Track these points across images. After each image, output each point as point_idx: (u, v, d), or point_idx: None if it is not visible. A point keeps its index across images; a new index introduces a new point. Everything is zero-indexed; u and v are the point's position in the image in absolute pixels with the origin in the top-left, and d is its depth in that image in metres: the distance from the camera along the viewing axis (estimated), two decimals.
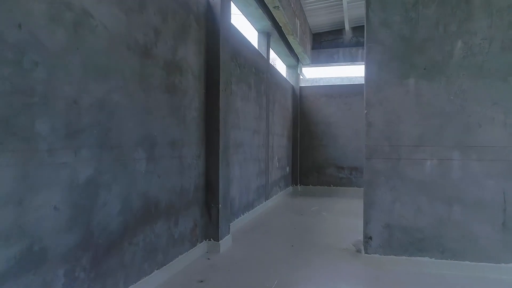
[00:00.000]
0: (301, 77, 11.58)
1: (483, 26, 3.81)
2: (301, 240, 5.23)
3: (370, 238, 4.11)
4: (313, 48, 11.08)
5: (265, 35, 7.98)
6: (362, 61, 10.63)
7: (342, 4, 9.41)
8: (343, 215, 7.29)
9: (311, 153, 11.06)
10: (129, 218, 3.07)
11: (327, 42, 11.05)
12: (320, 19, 10.22)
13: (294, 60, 10.47)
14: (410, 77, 3.99)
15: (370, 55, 4.08)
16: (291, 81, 10.99)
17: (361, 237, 4.88)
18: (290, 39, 8.40)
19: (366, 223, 4.15)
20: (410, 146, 3.99)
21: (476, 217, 3.83)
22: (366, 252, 4.15)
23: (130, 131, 3.07)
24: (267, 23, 7.37)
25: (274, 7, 6.53)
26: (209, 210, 4.64)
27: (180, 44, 3.95)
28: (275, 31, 7.94)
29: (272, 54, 9.31)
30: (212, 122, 4.64)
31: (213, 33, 4.63)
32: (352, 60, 10.72)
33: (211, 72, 4.64)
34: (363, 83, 11.16)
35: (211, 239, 4.64)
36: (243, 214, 6.34)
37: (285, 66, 11.07)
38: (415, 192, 3.98)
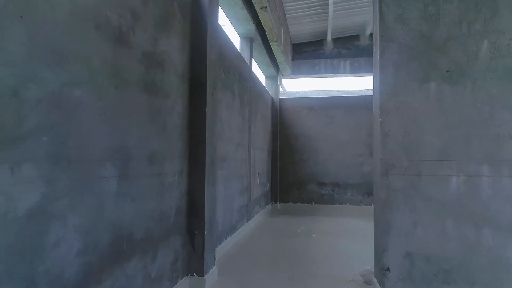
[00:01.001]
0: (280, 89, 11.07)
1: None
2: (298, 270, 4.51)
3: (388, 269, 3.48)
4: (293, 58, 10.62)
5: (248, 40, 7.38)
6: (344, 73, 10.29)
7: (326, 13, 9.04)
8: (335, 236, 6.66)
9: (292, 168, 10.46)
10: (92, 259, 2.23)
11: (308, 53, 10.63)
12: (302, 27, 9.80)
13: (274, 70, 9.94)
14: (431, 80, 3.47)
15: (385, 55, 3.53)
16: (271, 92, 10.43)
17: (369, 266, 4.24)
18: (274, 46, 7.84)
19: (381, 251, 3.51)
20: (432, 160, 3.43)
21: (509, 242, 3.31)
22: (382, 286, 3.50)
23: (97, 140, 2.27)
24: (251, 27, 6.78)
25: (262, 8, 5.94)
26: (192, 238, 3.83)
27: (162, 35, 3.21)
28: (258, 37, 7.36)
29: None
30: (197, 132, 3.88)
31: (199, 28, 3.93)
32: (334, 72, 10.35)
33: (196, 72, 3.92)
34: (345, 96, 10.87)
35: (195, 274, 3.82)
36: (226, 239, 5.54)
37: (264, 76, 10.52)
38: (439, 214, 3.41)
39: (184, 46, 3.74)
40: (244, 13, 6.18)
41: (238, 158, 6.30)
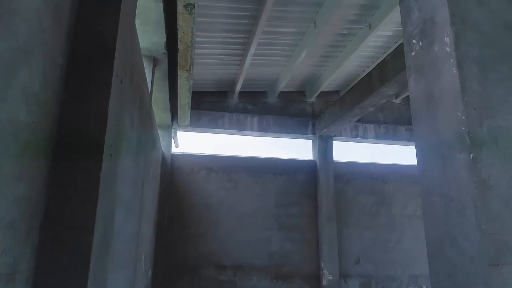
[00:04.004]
0: (173, 144, 8.83)
1: None
2: None
3: None
4: (192, 107, 8.75)
5: (150, 61, 5.25)
6: (251, 130, 8.87)
7: (238, 65, 7.73)
8: None
9: (183, 247, 7.91)
10: None
11: (210, 104, 8.96)
12: (209, 72, 8.20)
13: (169, 118, 7.82)
14: None
15: (463, 47, 2.01)
16: (163, 146, 8.13)
17: None
18: (182, 79, 5.87)
19: None
20: None
21: None
22: None
23: None
24: (160, 39, 4.76)
25: (186, 6, 4.06)
26: None
27: None
28: (165, 61, 5.35)
29: None
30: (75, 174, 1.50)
31: None
32: (240, 128, 8.83)
33: None
34: (250, 156, 9.32)
35: None
36: None
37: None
38: None
39: None
40: (159, 10, 4.19)
41: (129, 232, 3.73)
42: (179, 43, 4.88)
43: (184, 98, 6.72)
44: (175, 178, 8.27)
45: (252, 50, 6.91)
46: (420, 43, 2.28)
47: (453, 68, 1.99)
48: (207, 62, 7.75)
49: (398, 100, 10.18)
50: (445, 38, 2.07)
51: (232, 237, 8.15)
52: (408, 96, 10.11)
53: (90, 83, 1.64)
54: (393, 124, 9.83)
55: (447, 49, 2.05)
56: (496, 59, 2.06)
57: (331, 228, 8.50)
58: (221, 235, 8.13)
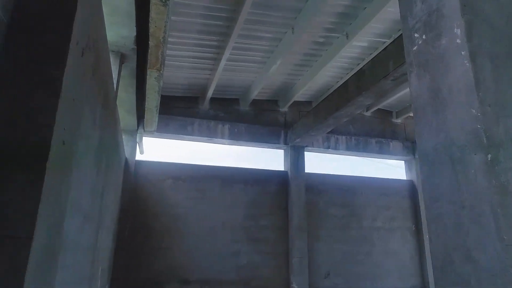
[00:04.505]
0: (137, 149, 8.28)
1: None
2: None
3: None
4: (160, 112, 8.28)
5: (117, 56, 4.82)
6: (222, 138, 8.53)
7: (211, 69, 7.43)
8: None
9: (146, 260, 7.34)
10: None
11: (179, 109, 8.54)
12: (179, 75, 7.82)
13: (135, 122, 7.33)
14: None
15: (475, 39, 1.84)
16: (127, 151, 7.59)
17: None
18: (152, 79, 5.45)
19: None
20: None
21: None
22: None
23: None
24: (130, 32, 4.37)
25: None
26: None
27: None
28: (134, 58, 4.95)
29: None
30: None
31: None
32: (210, 135, 8.46)
33: None
34: (221, 166, 8.91)
35: None
36: None
37: None
38: None
39: None
40: (128, 2, 3.82)
41: (84, 246, 3.25)
42: (150, 38, 4.49)
43: (153, 101, 6.28)
44: (139, 186, 7.73)
45: (226, 54, 6.64)
46: (424, 37, 2.10)
47: (465, 61, 1.81)
48: (178, 64, 7.38)
49: (368, 113, 10.27)
50: (455, 30, 1.90)
51: (199, 250, 7.68)
52: (378, 109, 10.23)
53: (37, 48, 1.27)
54: (364, 136, 9.87)
55: (458, 41, 1.87)
56: (509, 57, 1.90)
57: (301, 240, 8.25)
58: (187, 247, 7.64)
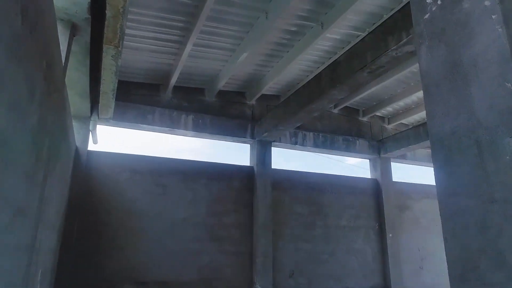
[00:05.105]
0: (90, 138, 7.48)
1: None
2: None
3: None
4: (117, 99, 7.57)
5: (67, 26, 4.16)
6: (185, 129, 7.99)
7: (175, 54, 6.87)
8: None
9: (97, 261, 6.66)
10: None
11: (139, 97, 7.87)
12: (139, 58, 7.17)
13: (88, 107, 6.60)
14: None
15: (506, 0, 1.53)
16: (78, 140, 6.83)
17: None
18: (108, 57, 4.82)
19: None
20: None
21: None
22: None
23: None
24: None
25: None
26: None
27: None
28: (88, 29, 4.32)
29: None
30: None
31: None
32: (172, 126, 7.87)
33: None
34: (182, 159, 8.32)
35: None
36: None
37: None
38: None
39: None
40: None
41: (15, 245, 2.64)
42: (107, 8, 3.90)
43: (109, 83, 5.63)
44: (91, 179, 6.99)
45: (193, 38, 6.12)
46: (439, 2, 1.79)
47: (497, 26, 1.51)
48: (138, 46, 6.74)
49: (336, 110, 10.15)
50: None
51: (157, 249, 7.10)
52: (346, 107, 10.13)
53: None
54: (330, 133, 9.72)
55: (486, 3, 1.57)
56: None
57: (266, 239, 7.92)
58: (144, 246, 7.04)
